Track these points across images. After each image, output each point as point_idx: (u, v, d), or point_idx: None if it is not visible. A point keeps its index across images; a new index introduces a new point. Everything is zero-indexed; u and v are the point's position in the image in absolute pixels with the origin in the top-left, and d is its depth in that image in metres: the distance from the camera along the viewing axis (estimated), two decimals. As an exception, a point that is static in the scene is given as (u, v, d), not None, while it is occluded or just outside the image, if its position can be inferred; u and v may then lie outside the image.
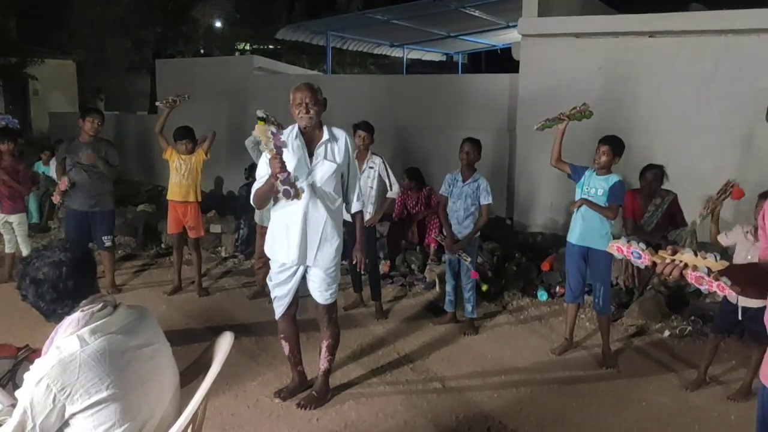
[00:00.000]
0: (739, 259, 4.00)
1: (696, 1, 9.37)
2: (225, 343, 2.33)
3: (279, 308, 3.90)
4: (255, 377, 4.25)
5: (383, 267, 6.29)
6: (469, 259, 5.03)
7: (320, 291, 3.78)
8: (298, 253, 3.67)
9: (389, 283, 6.24)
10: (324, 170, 3.63)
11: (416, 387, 4.18)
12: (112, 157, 5.72)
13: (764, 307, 3.93)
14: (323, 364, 3.94)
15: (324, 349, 3.92)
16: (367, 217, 5.26)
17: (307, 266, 3.75)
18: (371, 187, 5.35)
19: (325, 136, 3.65)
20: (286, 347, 4.00)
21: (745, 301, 3.89)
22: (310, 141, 3.67)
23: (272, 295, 3.92)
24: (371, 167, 5.35)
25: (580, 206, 4.51)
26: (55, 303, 2.04)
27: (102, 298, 2.12)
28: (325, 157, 3.64)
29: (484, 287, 5.73)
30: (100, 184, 5.68)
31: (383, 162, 5.39)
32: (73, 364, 1.90)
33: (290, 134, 3.66)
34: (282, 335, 3.99)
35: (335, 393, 4.04)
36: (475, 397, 4.06)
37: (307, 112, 3.56)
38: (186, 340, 4.63)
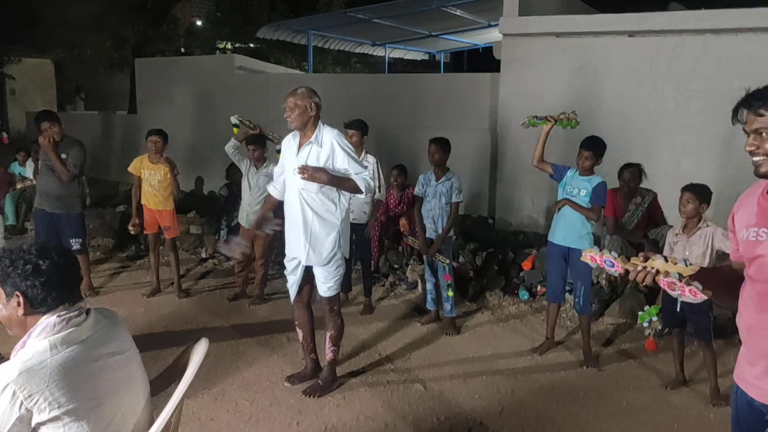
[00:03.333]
0: (692, 257, 4.01)
1: (675, 1, 9.44)
2: (200, 350, 2.28)
3: (291, 295, 4.11)
4: (234, 380, 4.21)
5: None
6: (447, 261, 5.03)
7: (320, 283, 3.95)
8: (296, 248, 3.90)
9: (372, 283, 6.20)
10: None
11: (397, 389, 4.16)
12: (73, 160, 5.52)
13: (701, 301, 3.98)
14: (328, 355, 4.08)
15: (328, 340, 4.07)
16: (362, 216, 5.42)
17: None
18: None
19: (311, 138, 3.77)
20: (299, 334, 4.20)
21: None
22: (301, 143, 3.84)
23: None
24: (365, 166, 5.32)
25: (562, 206, 4.52)
26: (45, 290, 1.98)
27: (77, 304, 2.07)
28: (306, 161, 3.75)
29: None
30: (67, 186, 5.55)
31: (377, 162, 5.39)
32: (42, 371, 1.84)
33: (293, 137, 3.93)
34: (296, 322, 4.19)
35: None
36: (456, 398, 4.04)
37: (288, 117, 3.75)
38: (165, 343, 4.59)
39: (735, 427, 2.13)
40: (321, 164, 3.72)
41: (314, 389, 4.00)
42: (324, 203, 3.79)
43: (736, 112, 1.94)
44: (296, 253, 3.91)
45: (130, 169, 5.80)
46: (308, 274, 3.98)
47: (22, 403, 1.82)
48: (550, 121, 4.63)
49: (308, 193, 3.76)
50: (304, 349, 4.24)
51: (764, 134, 1.88)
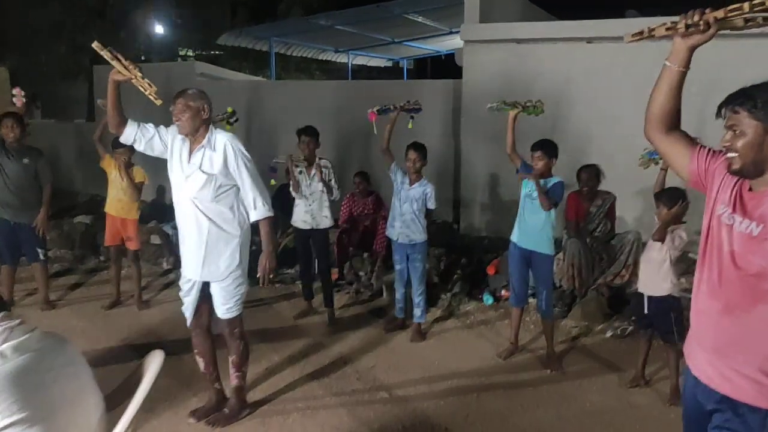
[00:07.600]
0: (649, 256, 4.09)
1: (632, 8, 9.62)
2: (155, 362, 2.23)
3: (188, 319, 3.77)
4: (197, 393, 4.11)
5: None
6: None
7: (218, 305, 3.66)
8: (189, 265, 3.62)
9: (336, 291, 6.16)
10: (196, 180, 3.50)
11: (362, 397, 4.13)
12: (44, 174, 5.48)
13: (664, 299, 4.06)
14: (233, 381, 3.82)
15: (231, 366, 3.81)
16: (325, 221, 5.35)
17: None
18: (322, 191, 5.31)
19: (203, 143, 3.51)
20: (201, 363, 3.86)
21: (651, 291, 4.05)
22: (191, 148, 3.57)
23: None
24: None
25: (526, 179, 4.55)
26: None
27: (11, 316, 2.00)
28: (200, 167, 3.49)
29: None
30: (28, 194, 5.41)
31: (331, 166, 5.37)
32: None
33: (182, 140, 3.60)
34: (195, 350, 3.85)
35: (278, 405, 3.96)
36: (421, 405, 4.03)
37: (178, 120, 3.52)
38: (125, 356, 4.50)
39: (684, 419, 2.20)
40: (215, 170, 3.47)
41: (218, 419, 3.73)
42: (221, 211, 3.51)
43: (720, 108, 1.98)
44: (191, 273, 3.61)
45: (103, 164, 5.70)
46: (205, 294, 3.67)
47: None
48: (517, 107, 4.69)
49: (202, 201, 3.49)
50: (207, 379, 3.90)
51: (737, 131, 1.92)
